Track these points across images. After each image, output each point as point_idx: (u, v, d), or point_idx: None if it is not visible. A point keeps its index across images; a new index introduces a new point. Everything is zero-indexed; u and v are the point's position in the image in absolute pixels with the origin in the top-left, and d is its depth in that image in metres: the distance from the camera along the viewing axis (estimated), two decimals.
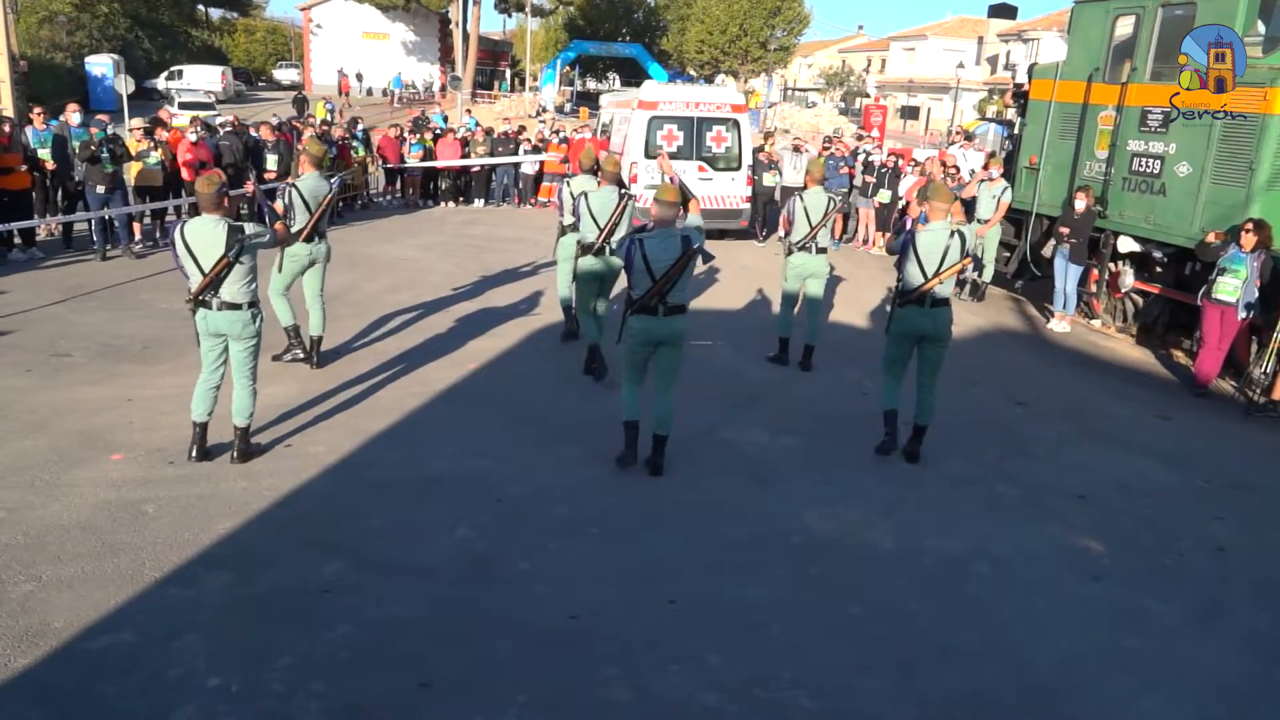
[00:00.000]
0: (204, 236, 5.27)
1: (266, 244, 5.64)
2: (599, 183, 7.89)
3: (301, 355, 7.51)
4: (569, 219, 8.09)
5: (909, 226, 6.23)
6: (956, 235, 5.88)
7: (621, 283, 6.73)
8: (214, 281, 5.29)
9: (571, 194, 8.06)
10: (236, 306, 5.39)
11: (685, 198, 6.11)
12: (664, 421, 5.75)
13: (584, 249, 7.71)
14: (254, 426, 5.84)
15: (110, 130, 11.67)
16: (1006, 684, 3.92)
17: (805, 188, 8.13)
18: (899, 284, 6.07)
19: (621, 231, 7.54)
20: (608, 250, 7.61)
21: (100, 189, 11.21)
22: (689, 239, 5.49)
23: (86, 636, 3.84)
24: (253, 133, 15.36)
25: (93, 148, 11.17)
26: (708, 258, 5.90)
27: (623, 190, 7.77)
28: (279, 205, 7.11)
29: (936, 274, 5.85)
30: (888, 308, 6.20)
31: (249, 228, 5.41)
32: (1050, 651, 4.14)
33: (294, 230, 7.11)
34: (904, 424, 6.30)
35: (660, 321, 5.56)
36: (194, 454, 5.60)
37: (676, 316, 5.60)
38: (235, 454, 5.62)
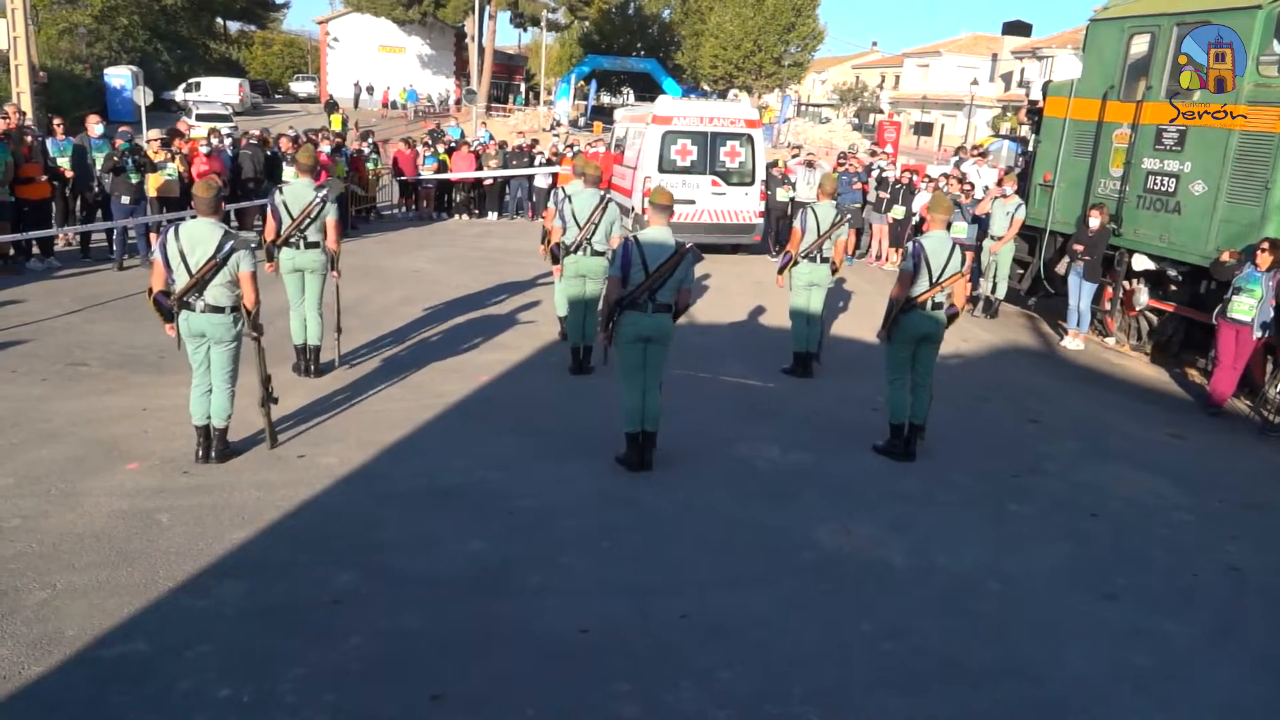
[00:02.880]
0: (198, 237, 5.37)
1: (256, 248, 5.74)
2: (583, 185, 8.19)
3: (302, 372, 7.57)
4: (557, 223, 8.19)
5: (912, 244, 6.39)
6: (956, 245, 6.24)
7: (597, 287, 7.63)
8: (200, 283, 5.38)
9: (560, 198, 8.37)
10: (220, 309, 5.49)
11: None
12: (653, 418, 5.99)
13: (566, 249, 8.00)
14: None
15: (134, 140, 11.79)
16: (1019, 702, 3.90)
17: (818, 201, 8.46)
18: (902, 295, 6.25)
19: (601, 231, 7.95)
20: (588, 250, 7.93)
21: (125, 199, 11.30)
22: (681, 243, 5.81)
23: (99, 645, 3.86)
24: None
25: (116, 158, 11.27)
26: (699, 258, 6.12)
27: (603, 193, 8.13)
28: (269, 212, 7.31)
29: (939, 281, 6.16)
30: (884, 318, 6.41)
31: (242, 234, 5.52)
32: (1063, 670, 4.12)
33: (279, 234, 7.25)
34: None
35: (649, 318, 5.79)
36: (200, 456, 5.71)
37: (663, 314, 5.85)
38: (214, 454, 5.72)
